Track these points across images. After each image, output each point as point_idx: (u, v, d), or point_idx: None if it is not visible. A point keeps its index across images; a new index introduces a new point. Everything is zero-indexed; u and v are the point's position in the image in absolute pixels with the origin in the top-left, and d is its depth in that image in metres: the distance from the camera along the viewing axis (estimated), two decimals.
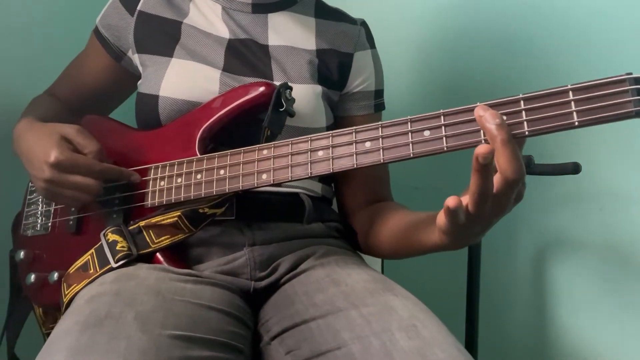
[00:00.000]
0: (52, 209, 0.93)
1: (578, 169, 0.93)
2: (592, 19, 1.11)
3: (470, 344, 1.03)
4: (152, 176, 0.82)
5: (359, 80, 0.99)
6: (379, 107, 1.02)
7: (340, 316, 0.70)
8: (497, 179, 0.56)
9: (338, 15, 1.03)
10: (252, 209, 0.85)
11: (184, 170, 0.78)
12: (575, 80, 0.54)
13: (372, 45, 1.02)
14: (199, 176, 0.76)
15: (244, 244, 0.83)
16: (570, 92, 0.53)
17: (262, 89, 0.80)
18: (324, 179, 0.97)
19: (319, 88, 0.92)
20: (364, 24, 1.03)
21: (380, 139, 0.62)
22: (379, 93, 1.02)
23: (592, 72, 0.66)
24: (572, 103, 0.52)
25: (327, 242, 0.92)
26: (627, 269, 1.05)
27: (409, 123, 0.61)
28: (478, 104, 0.56)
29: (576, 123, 0.52)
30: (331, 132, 0.66)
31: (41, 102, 1.01)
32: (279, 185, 0.87)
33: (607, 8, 1.08)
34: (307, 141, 0.68)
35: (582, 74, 0.78)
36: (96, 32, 0.97)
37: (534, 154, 0.92)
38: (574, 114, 0.52)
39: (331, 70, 0.95)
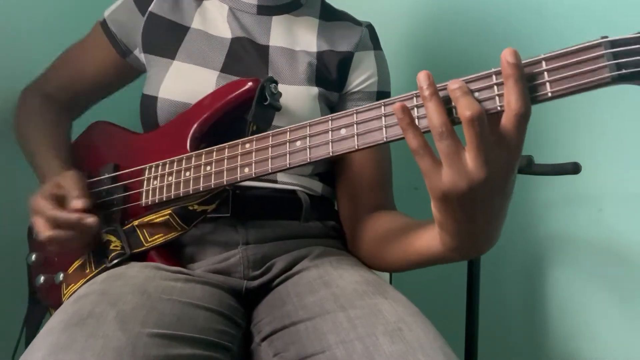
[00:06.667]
0: None
1: (578, 169, 0.87)
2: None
3: (470, 345, 0.98)
4: (146, 176, 0.79)
5: (359, 80, 0.91)
6: None
7: (327, 319, 0.65)
8: (506, 117, 0.49)
9: (343, 17, 0.97)
10: (247, 206, 0.80)
11: (175, 169, 0.75)
12: None
13: (376, 46, 0.95)
14: (187, 173, 0.73)
15: (237, 243, 0.79)
16: (543, 62, 0.47)
17: (249, 84, 0.76)
18: (324, 178, 0.91)
19: (314, 90, 0.87)
20: (369, 26, 0.97)
21: (355, 125, 0.57)
22: (382, 95, 0.93)
23: None
24: (545, 73, 0.46)
25: (324, 242, 0.86)
26: (626, 269, 0.99)
27: (382, 107, 0.55)
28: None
29: (549, 94, 0.46)
30: (309, 121, 0.62)
31: (41, 122, 0.94)
32: (274, 181, 0.83)
33: None
34: (286, 132, 0.63)
35: None
36: (104, 25, 0.93)
37: (534, 154, 0.87)
38: (547, 84, 0.46)
39: (330, 70, 0.90)
